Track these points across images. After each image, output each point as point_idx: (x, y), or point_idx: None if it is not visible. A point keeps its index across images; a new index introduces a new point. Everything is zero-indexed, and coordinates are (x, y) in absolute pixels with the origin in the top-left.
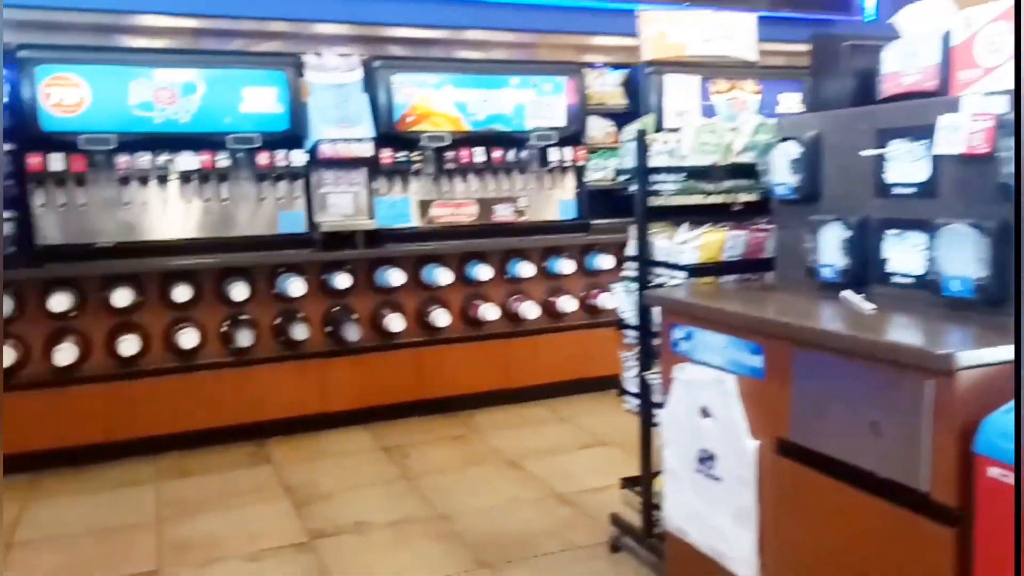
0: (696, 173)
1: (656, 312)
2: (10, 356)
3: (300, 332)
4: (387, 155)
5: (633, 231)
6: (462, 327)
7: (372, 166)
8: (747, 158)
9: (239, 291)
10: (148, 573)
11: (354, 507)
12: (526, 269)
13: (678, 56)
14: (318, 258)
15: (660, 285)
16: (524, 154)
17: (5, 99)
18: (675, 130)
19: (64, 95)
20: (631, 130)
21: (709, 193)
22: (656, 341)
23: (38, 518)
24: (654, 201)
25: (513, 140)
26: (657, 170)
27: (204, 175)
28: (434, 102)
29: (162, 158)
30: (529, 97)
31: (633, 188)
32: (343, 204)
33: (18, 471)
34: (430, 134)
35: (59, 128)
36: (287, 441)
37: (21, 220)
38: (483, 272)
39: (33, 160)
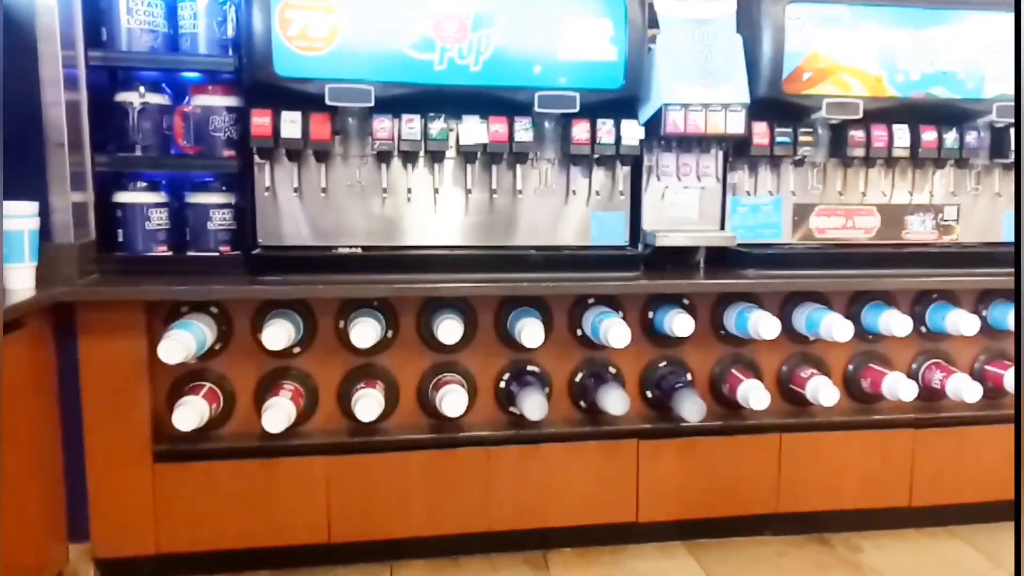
0: None
1: None
2: (205, 410)
3: (612, 400)
4: (761, 132)
5: None
6: (848, 406)
7: (733, 149)
8: None
9: (530, 332)
10: None
11: None
12: (956, 320)
13: None
14: (642, 288)
15: None
16: (972, 137)
17: (230, 33)
18: None
19: (309, 23)
20: None
21: None
22: None
23: None
24: None
25: (958, 114)
26: None
27: (493, 153)
28: (844, 50)
29: (438, 125)
30: (996, 42)
31: None
32: (685, 205)
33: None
34: (834, 100)
35: (299, 73)
36: (577, 562)
37: (240, 209)
38: (890, 321)
39: (260, 120)
